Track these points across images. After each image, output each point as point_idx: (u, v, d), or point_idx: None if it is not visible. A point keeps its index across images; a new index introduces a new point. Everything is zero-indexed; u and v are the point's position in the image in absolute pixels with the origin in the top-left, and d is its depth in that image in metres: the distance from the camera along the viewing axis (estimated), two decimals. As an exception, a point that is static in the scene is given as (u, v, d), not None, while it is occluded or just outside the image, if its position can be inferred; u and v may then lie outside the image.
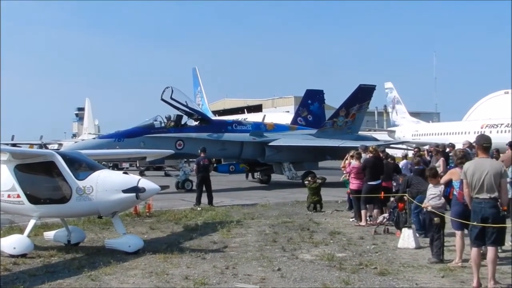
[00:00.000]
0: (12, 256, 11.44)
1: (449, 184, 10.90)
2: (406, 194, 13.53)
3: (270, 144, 31.04)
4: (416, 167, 17.51)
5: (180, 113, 29.35)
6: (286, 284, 9.37)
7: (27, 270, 10.54)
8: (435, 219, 11.06)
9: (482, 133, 43.67)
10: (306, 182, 21.12)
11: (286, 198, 23.92)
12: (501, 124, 50.72)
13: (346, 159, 17.89)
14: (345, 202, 19.79)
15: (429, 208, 11.25)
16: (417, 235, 12.80)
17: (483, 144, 9.23)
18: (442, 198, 11.10)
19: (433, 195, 11.27)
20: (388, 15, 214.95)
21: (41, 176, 12.41)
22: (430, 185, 11.49)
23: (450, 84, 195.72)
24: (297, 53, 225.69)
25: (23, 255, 11.51)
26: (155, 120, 28.64)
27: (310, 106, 37.36)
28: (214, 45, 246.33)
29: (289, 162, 31.61)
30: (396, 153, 29.41)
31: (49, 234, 13.40)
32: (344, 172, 18.31)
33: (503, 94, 70.14)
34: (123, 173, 12.64)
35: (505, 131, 47.65)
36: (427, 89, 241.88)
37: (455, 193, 10.43)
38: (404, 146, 41.56)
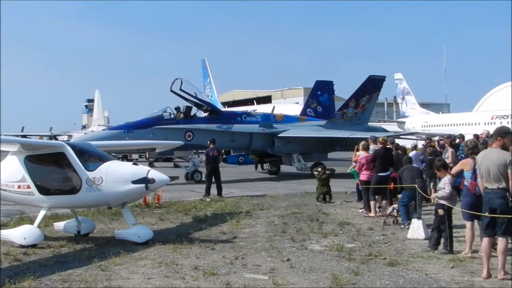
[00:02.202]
0: (22, 246, 11.51)
1: (460, 174, 10.83)
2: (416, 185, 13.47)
3: (279, 135, 31.04)
4: (429, 157, 17.74)
5: (189, 105, 29.34)
6: (295, 274, 9.37)
7: (38, 260, 10.59)
8: (439, 210, 11.03)
9: (493, 124, 43.70)
10: (316, 173, 21.08)
11: (295, 189, 23.92)
12: (512, 115, 50.38)
13: (357, 150, 17.80)
14: (354, 193, 19.78)
15: (435, 200, 11.24)
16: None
17: (497, 136, 9.14)
18: (448, 188, 10.97)
19: (440, 187, 11.22)
20: (398, 5, 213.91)
21: (51, 167, 12.45)
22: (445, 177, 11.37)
23: (460, 74, 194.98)
24: (306, 44, 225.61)
25: (33, 246, 11.57)
26: (165, 112, 28.65)
27: (320, 97, 37.19)
28: (224, 36, 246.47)
29: (298, 153, 31.61)
30: (406, 144, 29.30)
31: (59, 225, 13.46)
32: (353, 163, 18.25)
33: (514, 84, 69.62)
34: (133, 164, 12.66)
35: (516, 122, 47.28)
36: (437, 80, 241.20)
37: (466, 183, 10.37)
38: (414, 137, 41.43)
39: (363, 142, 17.57)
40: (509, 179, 8.60)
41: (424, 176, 19.13)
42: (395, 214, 14.52)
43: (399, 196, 14.63)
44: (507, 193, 8.64)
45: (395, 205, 14.89)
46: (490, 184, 8.79)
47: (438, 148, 20.68)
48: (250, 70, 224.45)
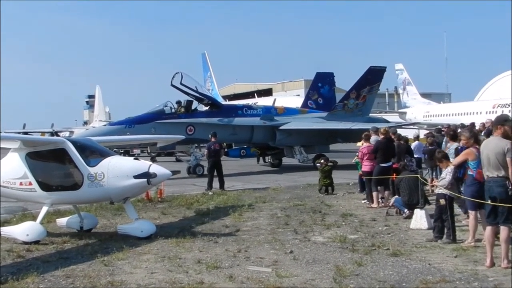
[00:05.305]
0: (25, 243, 11.49)
1: (462, 165, 10.76)
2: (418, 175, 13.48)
3: (280, 128, 30.98)
4: (430, 147, 17.78)
5: (190, 99, 29.31)
6: (298, 266, 9.36)
7: (41, 256, 10.59)
8: (440, 200, 11.02)
9: (494, 112, 43.61)
10: (318, 165, 21.08)
11: (297, 182, 23.91)
12: (513, 104, 50.30)
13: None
14: (357, 184, 19.75)
15: (437, 190, 11.22)
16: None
17: (497, 124, 9.12)
18: (448, 177, 10.94)
19: (442, 176, 11.19)
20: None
21: (53, 163, 12.44)
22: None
23: (461, 64, 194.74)
24: (307, 36, 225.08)
25: (36, 242, 11.55)
26: (165, 106, 28.59)
27: (321, 89, 37.03)
28: (224, 29, 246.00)
29: (300, 146, 31.57)
30: (408, 134, 29.25)
31: (62, 221, 13.45)
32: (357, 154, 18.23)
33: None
34: (134, 159, 12.64)
35: (517, 110, 47.20)
36: (438, 70, 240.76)
37: (470, 173, 10.29)
38: (416, 127, 41.39)
39: (365, 133, 17.57)
40: (509, 167, 8.57)
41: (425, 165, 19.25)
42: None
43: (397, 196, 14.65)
44: (507, 182, 8.60)
45: (398, 196, 14.88)
46: (490, 172, 8.78)
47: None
48: (251, 63, 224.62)
